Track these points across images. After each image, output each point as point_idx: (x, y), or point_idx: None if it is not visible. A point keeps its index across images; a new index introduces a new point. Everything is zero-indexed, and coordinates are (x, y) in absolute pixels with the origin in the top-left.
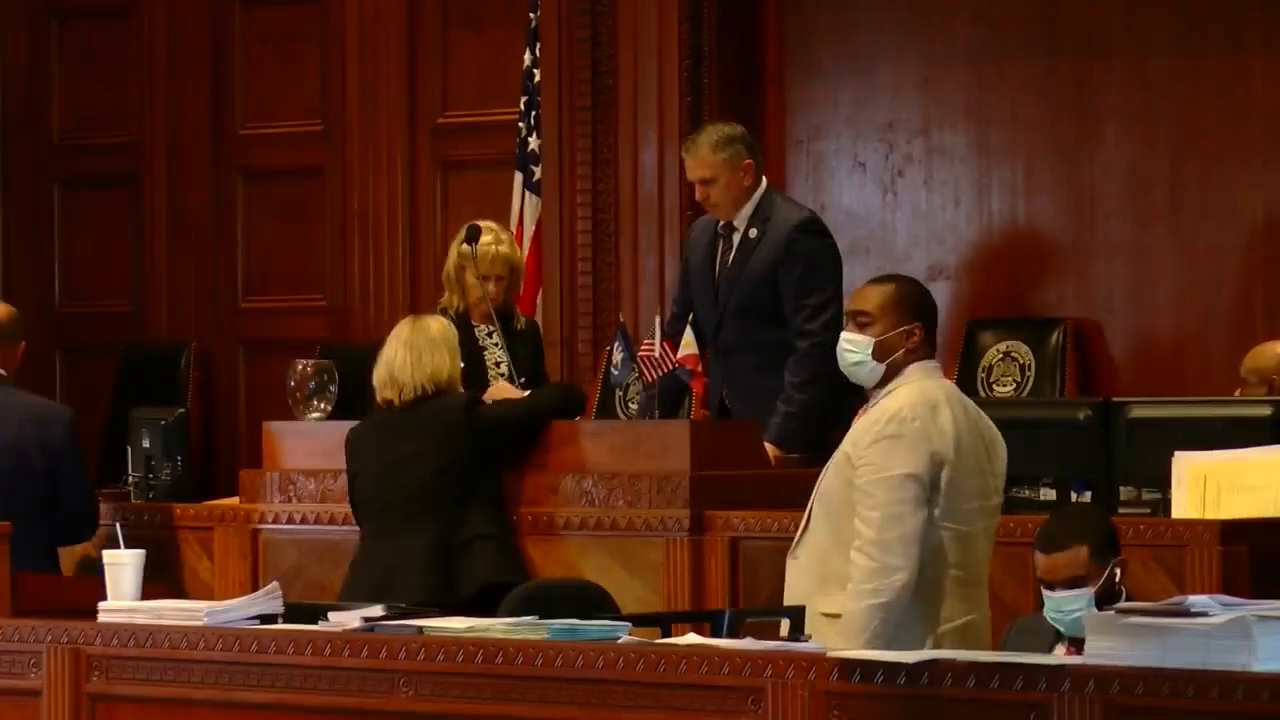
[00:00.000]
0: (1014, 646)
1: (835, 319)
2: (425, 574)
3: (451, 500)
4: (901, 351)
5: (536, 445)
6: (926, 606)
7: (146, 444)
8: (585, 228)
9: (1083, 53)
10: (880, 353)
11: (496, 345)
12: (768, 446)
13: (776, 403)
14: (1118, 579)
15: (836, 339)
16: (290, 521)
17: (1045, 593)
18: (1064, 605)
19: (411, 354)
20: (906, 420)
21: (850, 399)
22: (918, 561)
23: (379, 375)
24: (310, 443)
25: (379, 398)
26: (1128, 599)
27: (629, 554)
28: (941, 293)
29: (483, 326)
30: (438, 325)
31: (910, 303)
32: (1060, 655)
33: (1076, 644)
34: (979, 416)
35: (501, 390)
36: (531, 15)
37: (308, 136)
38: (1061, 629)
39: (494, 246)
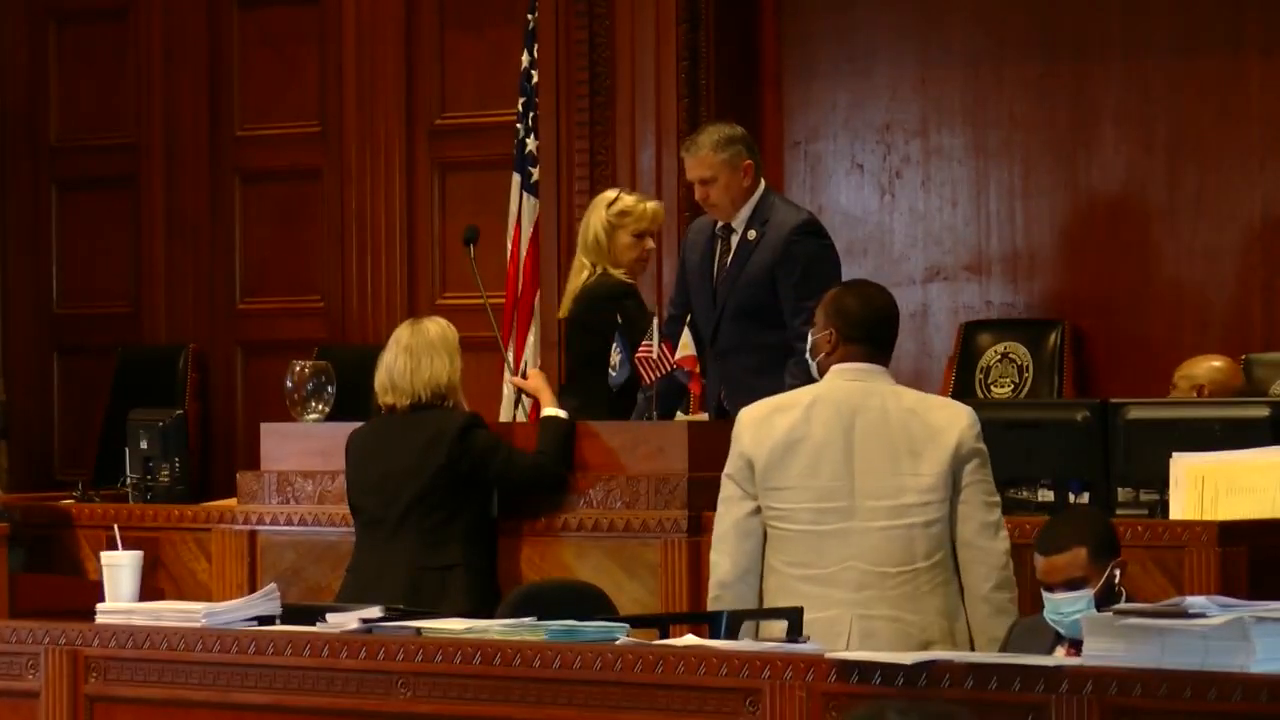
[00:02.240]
0: (1016, 647)
1: None
2: (401, 596)
3: (434, 523)
4: (823, 354)
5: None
6: (767, 600)
7: (144, 445)
8: None
9: (1080, 55)
10: (813, 352)
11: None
12: None
13: None
14: (1117, 580)
15: None
16: (288, 523)
17: (1045, 594)
18: (1063, 607)
19: (410, 359)
20: (737, 423)
21: None
22: (735, 555)
23: (379, 380)
24: (308, 444)
25: (380, 401)
26: (1127, 600)
27: (627, 555)
28: (939, 294)
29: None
30: (437, 328)
31: (831, 306)
32: (1060, 656)
33: (1076, 645)
34: (899, 416)
35: (538, 380)
36: (529, 16)
37: (305, 138)
38: (1061, 630)
39: (647, 202)
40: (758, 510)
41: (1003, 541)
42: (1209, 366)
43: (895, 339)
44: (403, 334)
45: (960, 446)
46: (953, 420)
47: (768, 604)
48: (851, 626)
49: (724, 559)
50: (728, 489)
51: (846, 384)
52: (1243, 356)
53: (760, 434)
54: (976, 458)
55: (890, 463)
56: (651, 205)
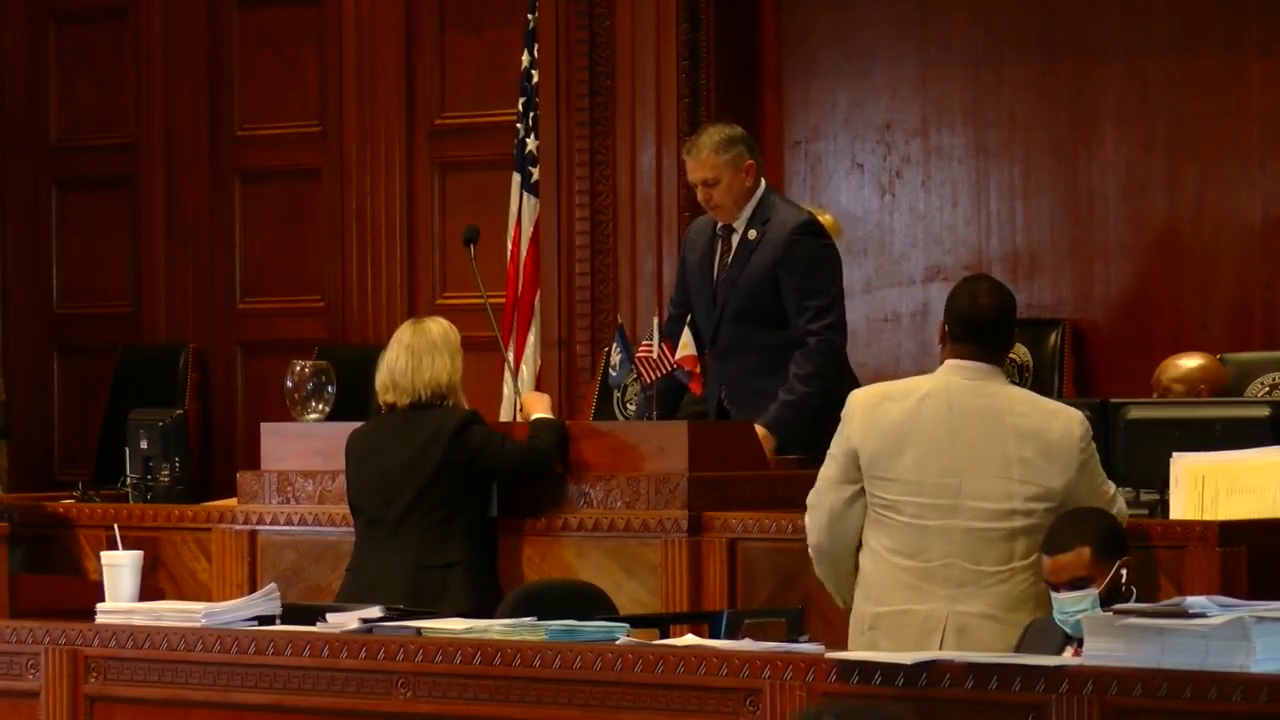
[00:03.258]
0: (1029, 647)
1: (838, 320)
2: (402, 595)
3: (433, 521)
4: (941, 347)
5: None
6: (863, 581)
7: (144, 445)
8: (583, 229)
9: (1080, 55)
10: (938, 339)
11: None
12: (758, 429)
13: (779, 391)
14: (1123, 579)
15: (840, 340)
16: (288, 523)
17: (1052, 594)
18: (1068, 606)
19: (412, 358)
20: (848, 405)
21: (835, 405)
22: (826, 533)
23: (380, 379)
24: (308, 444)
25: (380, 401)
26: (1137, 599)
27: (627, 555)
28: (939, 294)
29: None
30: (439, 328)
31: (948, 301)
32: (1068, 657)
33: (1082, 645)
34: (1012, 421)
35: (531, 402)
36: (529, 16)
37: (305, 138)
38: (1067, 630)
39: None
40: (859, 494)
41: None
42: (1200, 367)
43: (1008, 339)
44: (405, 333)
45: (1070, 463)
46: (1066, 432)
47: (866, 587)
48: (947, 623)
49: (817, 534)
50: (830, 469)
51: (960, 381)
52: (1217, 356)
53: (870, 421)
54: (1088, 467)
55: (999, 466)
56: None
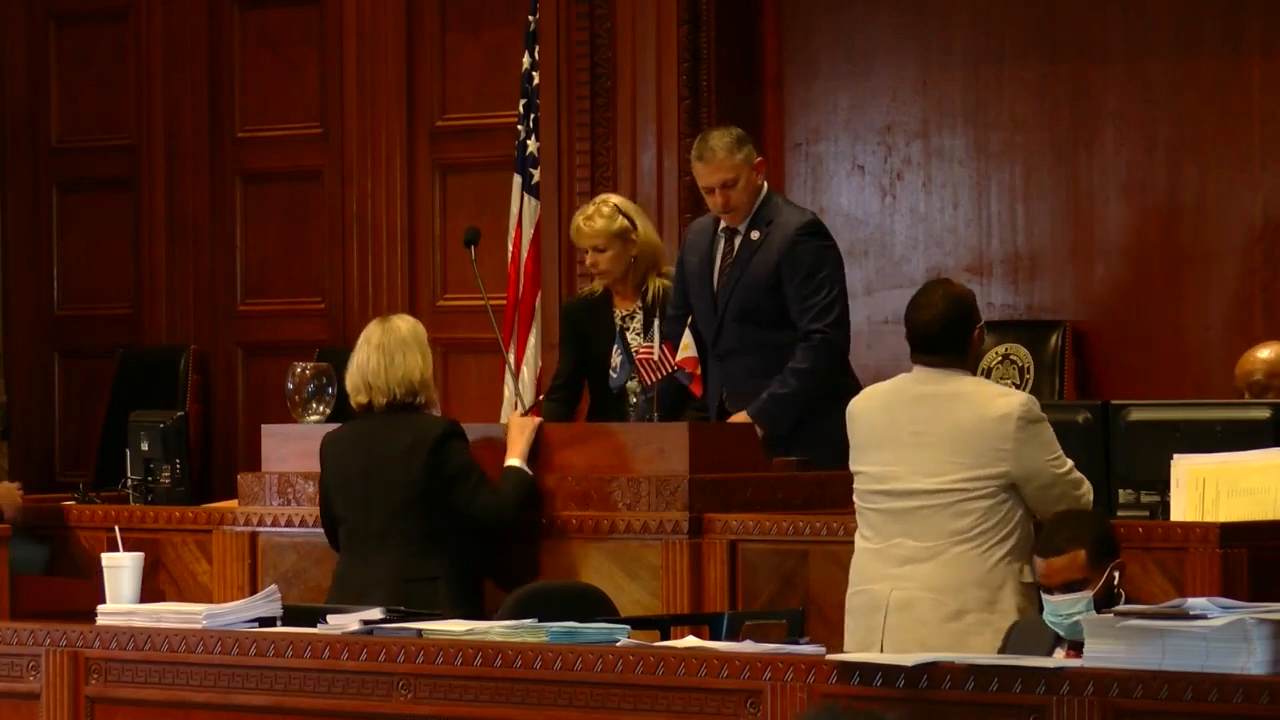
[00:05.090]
0: (1016, 648)
1: (840, 319)
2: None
3: (419, 531)
4: None
5: (535, 450)
6: (851, 568)
7: (145, 447)
8: None
9: (1081, 56)
10: None
11: (633, 330)
12: (744, 416)
13: (772, 382)
14: (1116, 582)
15: (840, 338)
16: (289, 524)
17: (1044, 596)
18: (1062, 609)
19: (383, 357)
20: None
21: (839, 402)
22: None
23: (351, 381)
24: (309, 445)
25: (353, 402)
26: (1126, 602)
27: (628, 556)
28: None
29: (623, 310)
30: (407, 325)
31: (905, 314)
32: (1060, 658)
33: (1075, 647)
34: (954, 402)
35: (512, 438)
36: (530, 18)
37: (306, 139)
38: (1060, 633)
39: (580, 219)
40: None
41: (1083, 495)
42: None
43: (961, 343)
44: (373, 333)
45: (1004, 441)
46: (1006, 412)
47: (852, 577)
48: (890, 599)
49: None
50: None
51: (911, 377)
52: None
53: (851, 423)
54: (1028, 445)
55: (937, 448)
56: (578, 222)
